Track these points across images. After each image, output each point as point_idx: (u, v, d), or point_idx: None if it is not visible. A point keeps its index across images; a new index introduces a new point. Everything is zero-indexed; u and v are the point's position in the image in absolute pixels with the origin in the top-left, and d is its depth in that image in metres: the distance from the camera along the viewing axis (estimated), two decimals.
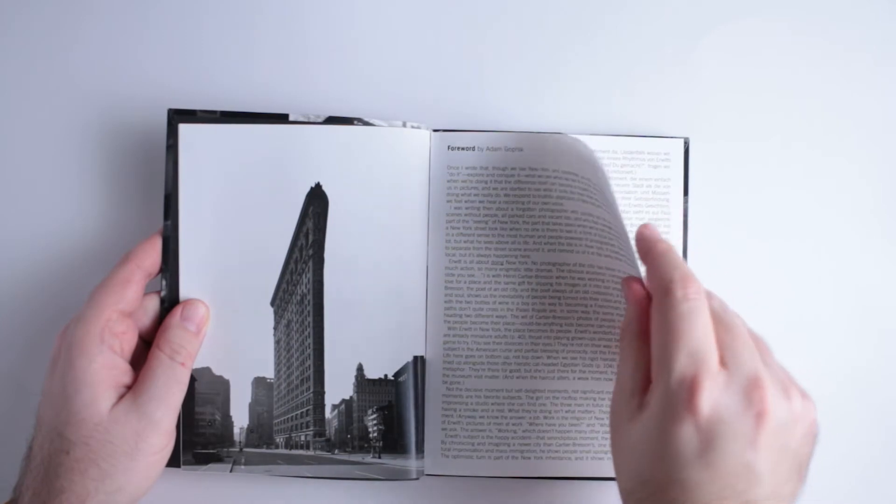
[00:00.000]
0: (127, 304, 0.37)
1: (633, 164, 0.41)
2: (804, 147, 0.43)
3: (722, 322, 0.32)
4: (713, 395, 0.30)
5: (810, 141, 0.43)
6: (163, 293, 0.39)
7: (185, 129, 0.39)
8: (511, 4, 0.43)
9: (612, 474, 0.39)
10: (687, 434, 0.30)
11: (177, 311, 0.38)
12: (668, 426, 0.30)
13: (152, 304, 0.38)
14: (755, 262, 0.43)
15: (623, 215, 0.40)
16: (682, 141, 0.41)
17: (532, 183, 0.40)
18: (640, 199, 0.41)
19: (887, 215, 0.43)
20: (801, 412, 0.31)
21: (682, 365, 0.30)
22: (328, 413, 0.40)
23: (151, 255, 0.38)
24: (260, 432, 0.40)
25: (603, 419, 0.40)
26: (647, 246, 0.35)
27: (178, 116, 0.39)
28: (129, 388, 0.36)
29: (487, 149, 0.40)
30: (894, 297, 0.43)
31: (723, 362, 0.31)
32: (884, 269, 0.43)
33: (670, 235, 0.41)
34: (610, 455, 0.35)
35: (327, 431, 0.40)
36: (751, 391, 0.30)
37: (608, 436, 0.38)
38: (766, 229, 0.43)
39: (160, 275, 0.39)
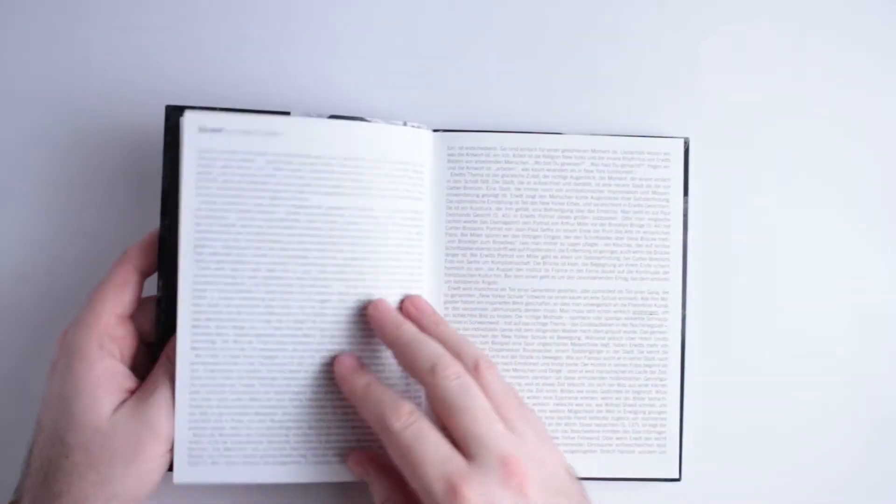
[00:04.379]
0: (125, 308, 0.36)
1: (633, 164, 0.41)
2: (804, 147, 0.43)
3: (452, 408, 0.33)
4: (478, 499, 0.30)
5: (810, 140, 0.43)
6: (159, 294, 0.38)
7: (189, 118, 0.38)
8: (511, 4, 0.43)
9: (614, 473, 0.40)
10: None
11: None
12: None
13: (151, 307, 0.38)
14: (755, 262, 0.43)
15: (624, 216, 0.41)
16: (682, 141, 0.41)
17: (532, 184, 0.40)
18: (640, 200, 0.41)
19: (888, 215, 0.43)
20: (552, 457, 0.34)
21: (435, 485, 0.31)
22: None
23: (148, 256, 0.37)
24: None
25: (595, 413, 0.41)
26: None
27: (177, 112, 0.38)
28: (132, 391, 0.35)
29: (488, 148, 0.40)
30: (894, 296, 0.43)
31: (468, 454, 0.32)
32: (884, 269, 0.43)
33: (670, 235, 0.41)
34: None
35: None
36: (505, 472, 0.31)
37: (602, 429, 0.41)
38: (766, 229, 0.43)
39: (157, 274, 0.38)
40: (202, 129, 0.37)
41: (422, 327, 0.37)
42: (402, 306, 0.38)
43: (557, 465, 0.34)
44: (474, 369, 0.35)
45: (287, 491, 0.41)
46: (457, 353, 0.35)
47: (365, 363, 0.38)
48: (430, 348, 0.35)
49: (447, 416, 0.33)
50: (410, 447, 0.32)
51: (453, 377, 0.34)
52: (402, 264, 0.39)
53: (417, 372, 0.35)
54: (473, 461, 0.32)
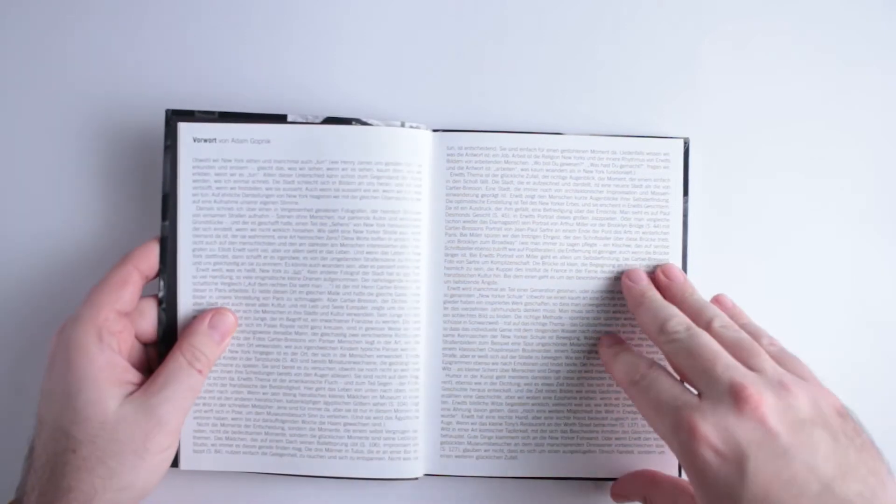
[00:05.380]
0: (123, 305, 0.37)
1: (633, 165, 0.41)
2: (804, 147, 0.43)
3: (680, 357, 0.34)
4: (711, 429, 0.30)
5: (810, 141, 0.43)
6: (160, 294, 0.39)
7: (183, 129, 0.39)
8: (511, 4, 0.43)
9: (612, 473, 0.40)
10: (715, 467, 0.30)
11: (205, 318, 0.38)
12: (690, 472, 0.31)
13: (149, 307, 0.38)
14: (755, 263, 0.43)
15: (623, 216, 0.41)
16: (681, 141, 0.41)
17: (532, 184, 0.40)
18: (640, 200, 0.41)
19: (889, 215, 0.43)
20: (807, 390, 0.32)
21: (666, 426, 0.32)
22: None
23: (150, 259, 0.38)
24: None
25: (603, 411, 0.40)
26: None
27: (177, 117, 0.39)
28: (137, 385, 0.36)
29: (488, 148, 0.40)
30: (894, 297, 0.43)
31: (699, 393, 0.32)
32: (884, 269, 0.43)
33: (670, 235, 0.41)
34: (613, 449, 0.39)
35: None
36: (737, 400, 0.31)
37: (601, 429, 0.40)
38: (766, 229, 0.43)
39: (158, 277, 0.39)
40: (196, 139, 0.39)
41: (670, 294, 0.38)
42: (654, 274, 0.40)
43: (815, 396, 0.31)
44: (707, 324, 0.35)
45: (286, 483, 0.41)
46: (696, 315, 0.36)
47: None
48: (664, 310, 0.36)
49: (680, 369, 0.34)
50: (646, 395, 0.34)
51: (682, 332, 0.34)
52: (398, 264, 0.39)
53: (650, 332, 0.36)
54: (704, 397, 0.32)
